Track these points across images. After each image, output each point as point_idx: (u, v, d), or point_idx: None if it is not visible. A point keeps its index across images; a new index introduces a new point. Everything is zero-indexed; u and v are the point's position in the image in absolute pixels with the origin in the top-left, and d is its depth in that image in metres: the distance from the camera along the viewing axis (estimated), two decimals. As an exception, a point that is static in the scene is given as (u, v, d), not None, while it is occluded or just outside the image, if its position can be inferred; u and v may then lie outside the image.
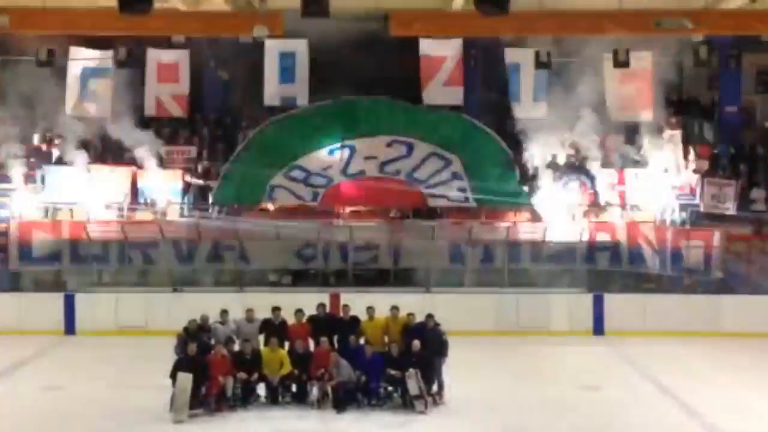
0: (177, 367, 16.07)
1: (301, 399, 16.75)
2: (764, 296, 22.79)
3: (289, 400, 16.80)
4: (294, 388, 16.85)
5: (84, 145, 25.82)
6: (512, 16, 19.63)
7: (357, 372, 16.44)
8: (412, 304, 18.18)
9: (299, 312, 17.55)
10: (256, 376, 16.59)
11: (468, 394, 17.22)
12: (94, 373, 19.20)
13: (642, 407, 16.94)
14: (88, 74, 25.10)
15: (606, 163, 25.42)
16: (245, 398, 16.59)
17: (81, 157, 25.31)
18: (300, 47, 24.52)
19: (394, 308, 17.56)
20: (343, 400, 16.30)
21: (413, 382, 16.30)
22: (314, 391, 16.68)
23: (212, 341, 17.08)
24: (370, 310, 17.57)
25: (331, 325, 17.57)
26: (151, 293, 23.27)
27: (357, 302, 18.39)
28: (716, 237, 23.10)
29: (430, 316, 17.31)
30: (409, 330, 17.17)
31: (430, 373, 16.62)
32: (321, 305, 17.96)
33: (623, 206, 24.90)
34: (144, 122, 26.00)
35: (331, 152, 24.60)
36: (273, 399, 16.75)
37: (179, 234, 24.26)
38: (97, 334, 22.25)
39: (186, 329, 17.00)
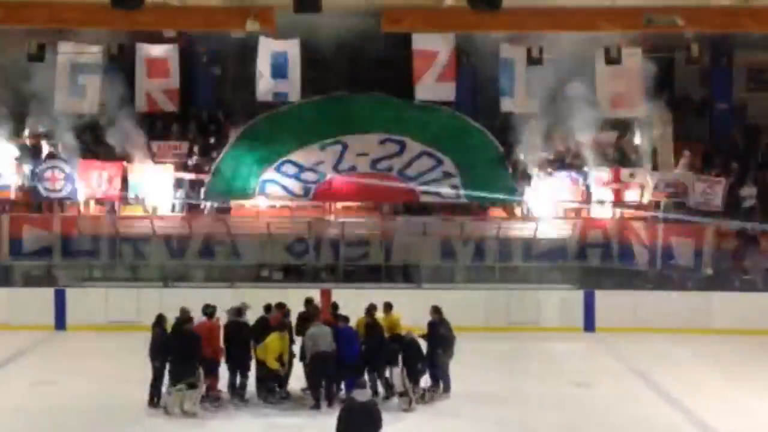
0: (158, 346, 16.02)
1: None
2: (754, 293, 22.89)
3: (284, 395, 16.75)
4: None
5: (74, 140, 25.74)
6: (504, 12, 19.69)
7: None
8: (404, 300, 18.16)
9: (280, 305, 17.34)
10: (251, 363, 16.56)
11: (458, 390, 17.19)
12: (85, 367, 19.18)
13: (632, 404, 16.99)
14: (77, 69, 24.98)
15: (597, 160, 25.44)
16: (241, 390, 16.61)
17: (71, 153, 25.25)
18: (292, 47, 24.51)
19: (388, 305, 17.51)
20: (319, 373, 16.26)
21: (398, 380, 16.33)
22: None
23: None
24: (387, 306, 17.34)
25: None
26: (142, 288, 23.22)
27: (347, 298, 18.39)
28: (706, 234, 23.18)
29: (436, 310, 17.18)
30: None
31: (413, 370, 16.51)
32: (308, 300, 17.82)
33: (614, 203, 24.94)
34: (135, 117, 25.90)
35: (323, 148, 24.61)
36: (269, 390, 16.63)
37: (170, 229, 24.25)
38: (88, 329, 22.23)
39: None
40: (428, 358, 16.77)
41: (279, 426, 15.60)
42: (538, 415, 16.25)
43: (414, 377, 16.43)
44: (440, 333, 16.99)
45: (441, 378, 17.03)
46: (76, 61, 24.97)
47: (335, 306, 17.53)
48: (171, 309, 17.49)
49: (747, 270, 23.53)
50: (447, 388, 17.08)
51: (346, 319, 16.77)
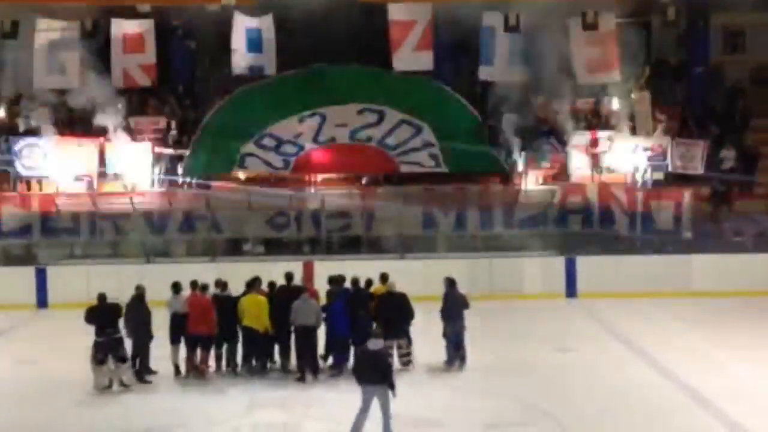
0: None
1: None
2: (732, 255, 23.05)
3: (277, 367, 16.81)
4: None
5: (51, 116, 25.56)
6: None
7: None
8: (386, 270, 18.10)
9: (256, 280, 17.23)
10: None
11: (441, 358, 17.28)
12: (66, 346, 19.08)
13: (615, 367, 17.12)
14: (54, 45, 24.75)
15: (576, 126, 25.47)
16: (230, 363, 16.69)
17: (49, 129, 25.06)
18: (266, 22, 24.41)
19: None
20: (301, 346, 16.32)
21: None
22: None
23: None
24: (384, 276, 17.27)
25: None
26: (124, 265, 23.17)
27: (329, 270, 18.38)
28: (686, 197, 23.31)
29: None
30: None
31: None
32: (288, 275, 17.69)
33: (593, 168, 25.00)
34: (112, 93, 25.69)
35: (301, 120, 24.53)
36: (258, 354, 16.67)
37: (151, 205, 24.16)
38: (69, 307, 22.08)
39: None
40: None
41: (266, 399, 15.61)
42: (522, 381, 16.33)
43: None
44: (442, 306, 17.15)
45: (446, 349, 17.14)
46: (54, 37, 24.78)
47: (330, 280, 17.44)
48: (153, 284, 17.49)
49: (725, 232, 23.68)
50: (449, 361, 17.13)
51: (336, 294, 16.79)
